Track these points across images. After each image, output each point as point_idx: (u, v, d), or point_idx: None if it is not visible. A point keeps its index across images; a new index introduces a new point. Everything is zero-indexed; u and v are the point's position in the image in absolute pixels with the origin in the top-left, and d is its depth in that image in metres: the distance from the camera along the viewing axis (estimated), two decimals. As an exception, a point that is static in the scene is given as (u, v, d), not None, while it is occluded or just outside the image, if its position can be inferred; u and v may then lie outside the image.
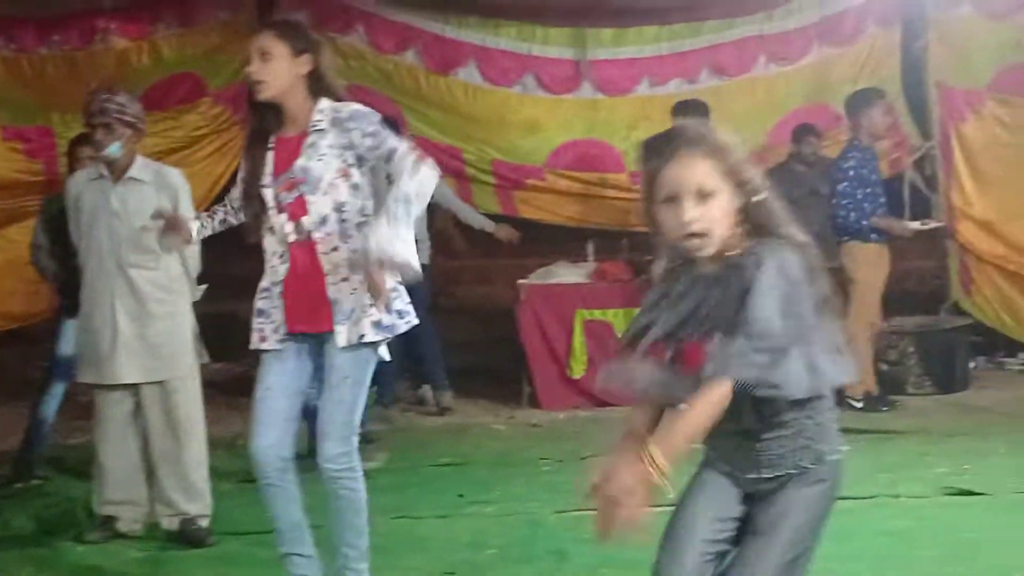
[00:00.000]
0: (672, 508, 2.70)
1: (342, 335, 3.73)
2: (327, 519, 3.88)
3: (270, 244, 3.86)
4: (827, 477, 2.65)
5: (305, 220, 3.76)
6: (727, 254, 2.57)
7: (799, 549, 2.63)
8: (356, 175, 3.80)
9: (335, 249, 3.75)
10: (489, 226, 8.19)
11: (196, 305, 5.26)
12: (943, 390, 7.98)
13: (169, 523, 5.04)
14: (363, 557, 3.85)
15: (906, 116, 9.07)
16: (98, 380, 5.05)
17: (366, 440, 6.00)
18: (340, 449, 3.76)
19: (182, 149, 8.29)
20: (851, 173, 7.51)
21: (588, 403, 7.61)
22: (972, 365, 8.55)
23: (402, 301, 3.86)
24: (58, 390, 6.02)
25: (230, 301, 6.25)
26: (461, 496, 5.61)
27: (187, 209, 5.07)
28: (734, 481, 2.69)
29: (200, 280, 5.36)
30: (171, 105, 8.52)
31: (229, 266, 5.86)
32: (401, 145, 3.76)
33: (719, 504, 2.68)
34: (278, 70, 3.76)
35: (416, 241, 8.03)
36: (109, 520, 5.09)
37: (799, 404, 2.56)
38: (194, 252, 5.14)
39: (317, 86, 3.83)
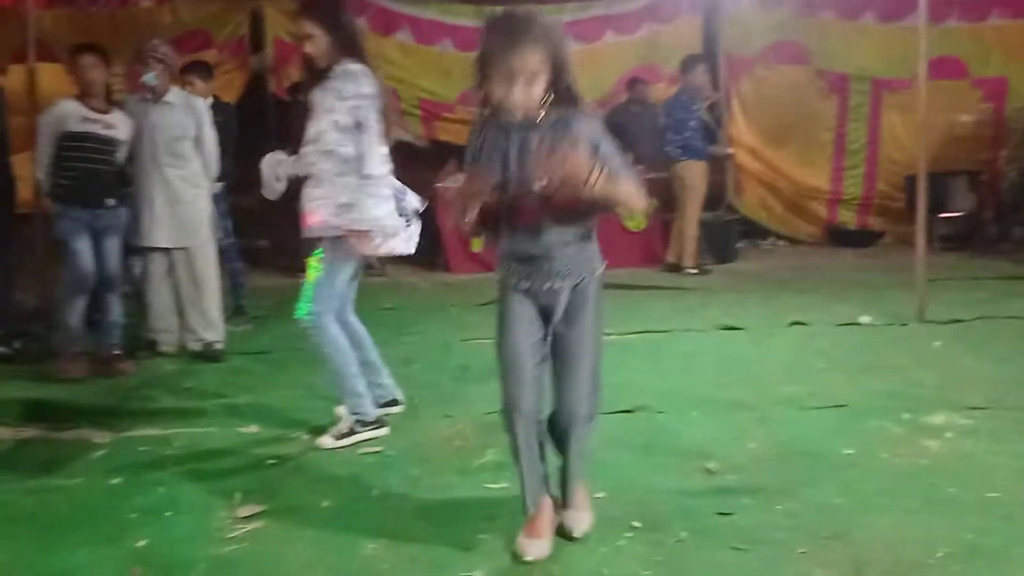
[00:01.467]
0: (499, 341, 2.46)
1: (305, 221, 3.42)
2: None
3: None
4: (597, 284, 2.48)
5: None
6: (531, 116, 2.31)
7: (601, 332, 2.47)
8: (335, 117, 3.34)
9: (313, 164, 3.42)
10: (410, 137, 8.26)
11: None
12: (720, 261, 8.17)
13: (194, 345, 5.02)
14: (348, 393, 3.52)
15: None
16: (141, 244, 4.94)
17: (239, 312, 5.79)
18: (305, 310, 3.40)
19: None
20: (697, 112, 7.57)
21: (483, 269, 7.58)
22: (739, 245, 8.77)
23: (348, 212, 3.37)
24: None
25: (239, 195, 6.02)
26: (397, 330, 5.63)
27: (207, 127, 4.92)
28: (533, 298, 2.44)
29: (218, 180, 5.24)
30: (186, 53, 8.12)
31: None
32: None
33: (533, 327, 2.44)
34: (321, 46, 3.33)
35: None
36: (152, 343, 5.06)
37: (585, 231, 2.43)
38: (213, 157, 5.01)
39: (341, 49, 3.35)
